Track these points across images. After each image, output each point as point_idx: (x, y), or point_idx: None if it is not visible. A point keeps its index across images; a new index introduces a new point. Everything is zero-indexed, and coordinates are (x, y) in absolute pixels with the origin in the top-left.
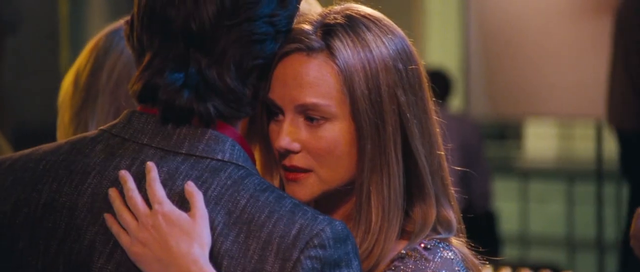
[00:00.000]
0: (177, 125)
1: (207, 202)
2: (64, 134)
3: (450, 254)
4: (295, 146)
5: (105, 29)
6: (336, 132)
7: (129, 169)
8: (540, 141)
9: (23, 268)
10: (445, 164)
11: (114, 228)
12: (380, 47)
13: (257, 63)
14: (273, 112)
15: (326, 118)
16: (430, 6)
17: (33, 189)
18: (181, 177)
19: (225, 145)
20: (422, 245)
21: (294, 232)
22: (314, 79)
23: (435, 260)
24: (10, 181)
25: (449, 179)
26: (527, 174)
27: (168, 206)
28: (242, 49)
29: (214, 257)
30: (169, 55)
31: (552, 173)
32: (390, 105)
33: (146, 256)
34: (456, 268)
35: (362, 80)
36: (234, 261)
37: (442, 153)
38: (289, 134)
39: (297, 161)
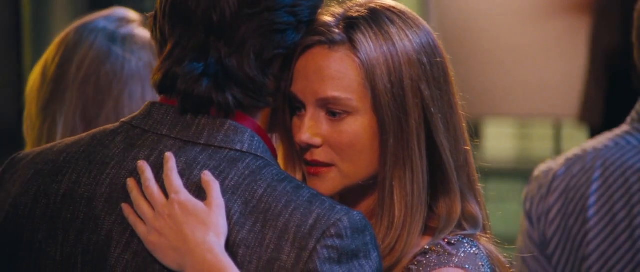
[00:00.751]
0: (196, 115)
1: (224, 192)
2: (31, 127)
3: (474, 249)
4: (317, 141)
5: (75, 23)
6: (358, 126)
7: (147, 159)
8: (498, 141)
9: (42, 260)
10: (472, 160)
11: (131, 218)
12: (403, 40)
13: (278, 53)
14: (295, 106)
15: (348, 112)
16: None
17: (53, 181)
18: (199, 167)
19: (245, 136)
20: (446, 240)
21: (311, 221)
22: (335, 73)
23: (459, 255)
24: (32, 174)
25: (476, 175)
26: (486, 173)
27: (185, 195)
28: (262, 38)
29: (230, 246)
30: (189, 45)
31: (511, 173)
32: (413, 99)
33: (162, 245)
34: (480, 263)
35: (384, 74)
36: (250, 250)
37: (469, 148)
38: (310, 129)
39: (319, 155)
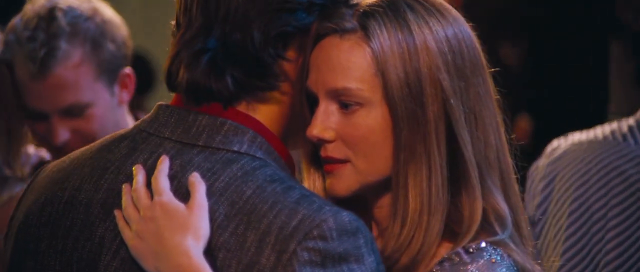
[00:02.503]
0: (198, 115)
1: (212, 194)
2: None
3: (496, 258)
4: (328, 135)
5: None
6: (370, 119)
7: (145, 163)
8: None
9: (44, 270)
10: (507, 158)
11: (120, 223)
12: (423, 29)
13: (286, 31)
14: (312, 101)
15: (360, 104)
16: None
17: (59, 188)
18: (192, 169)
19: (245, 136)
20: (466, 248)
21: (294, 223)
22: (345, 62)
23: (474, 264)
24: (45, 182)
25: (511, 175)
26: None
27: (167, 198)
28: (269, 16)
29: (211, 249)
30: (195, 26)
31: None
32: (431, 90)
33: (143, 249)
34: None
35: (398, 63)
36: (230, 254)
37: (504, 145)
38: (321, 122)
39: (332, 151)
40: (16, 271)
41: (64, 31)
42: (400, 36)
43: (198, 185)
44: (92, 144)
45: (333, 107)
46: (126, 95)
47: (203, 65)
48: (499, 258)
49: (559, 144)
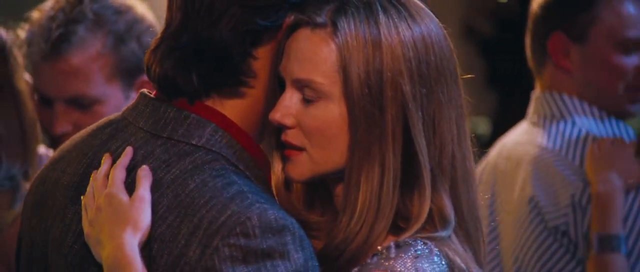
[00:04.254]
0: (167, 108)
1: (160, 186)
2: None
3: (423, 251)
4: (289, 121)
5: None
6: (328, 112)
7: (115, 151)
8: None
9: (33, 246)
10: (465, 165)
11: (82, 209)
12: (391, 32)
13: (252, 28)
14: (282, 86)
15: (321, 96)
16: None
17: (52, 168)
18: (151, 161)
19: (206, 130)
20: (397, 242)
21: (222, 218)
22: (311, 55)
23: (396, 257)
24: (48, 161)
25: (470, 181)
26: None
27: (116, 189)
28: (238, 13)
29: (149, 240)
30: (173, 24)
31: None
32: (391, 94)
33: (91, 237)
34: (423, 266)
35: (361, 63)
36: (163, 245)
37: (463, 153)
38: (284, 108)
39: (291, 136)
40: (18, 245)
41: (85, 17)
42: (367, 36)
43: (143, 178)
44: (89, 126)
45: (297, 96)
46: None
47: (172, 62)
48: (426, 252)
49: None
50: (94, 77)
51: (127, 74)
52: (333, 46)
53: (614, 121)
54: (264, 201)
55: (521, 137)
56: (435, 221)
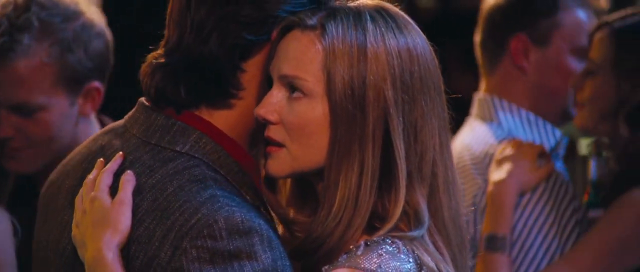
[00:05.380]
0: (157, 116)
1: (143, 190)
2: None
3: (390, 249)
4: (272, 117)
5: None
6: (310, 110)
7: (109, 156)
8: None
9: (40, 243)
10: (447, 174)
11: (74, 212)
12: (377, 38)
13: (241, 42)
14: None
15: (304, 94)
16: None
17: (61, 171)
18: (137, 166)
19: (190, 137)
20: (367, 241)
21: (193, 221)
22: (298, 54)
23: (363, 255)
24: (54, 173)
25: (450, 192)
26: None
27: (101, 193)
28: (225, 28)
29: (128, 242)
30: (170, 41)
31: None
32: (374, 97)
33: (76, 238)
34: (389, 264)
35: (345, 65)
36: (139, 247)
37: (445, 161)
38: (268, 104)
39: (273, 132)
40: (31, 242)
41: (31, 25)
42: (353, 41)
43: (126, 183)
44: (97, 132)
45: (282, 93)
46: (90, 109)
47: (161, 74)
48: (393, 250)
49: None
50: (38, 85)
51: (72, 81)
52: (320, 47)
53: (541, 123)
54: (235, 205)
55: (459, 137)
56: (410, 221)
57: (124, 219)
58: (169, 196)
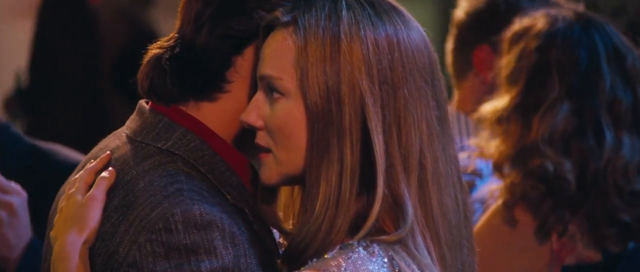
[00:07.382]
0: (149, 112)
1: (116, 186)
2: None
3: (361, 254)
4: (258, 122)
5: None
6: (287, 109)
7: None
8: None
9: (48, 248)
10: (438, 165)
11: None
12: (352, 29)
13: (230, 33)
14: None
15: (282, 94)
16: None
17: (72, 175)
18: (119, 164)
19: (174, 133)
20: (343, 244)
21: (152, 215)
22: (273, 52)
23: (330, 259)
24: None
25: (440, 185)
26: None
27: (75, 191)
28: (215, 19)
29: (96, 239)
30: (172, 36)
31: None
32: (349, 91)
33: (51, 236)
34: (354, 266)
35: (318, 60)
36: (103, 243)
37: (434, 152)
38: (253, 109)
39: (260, 138)
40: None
41: None
42: (326, 33)
43: (100, 180)
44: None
45: (264, 96)
46: None
47: (151, 66)
48: (365, 254)
49: None
50: None
51: None
52: (291, 43)
53: None
54: (199, 199)
55: None
56: (397, 217)
57: (93, 216)
58: (137, 192)
